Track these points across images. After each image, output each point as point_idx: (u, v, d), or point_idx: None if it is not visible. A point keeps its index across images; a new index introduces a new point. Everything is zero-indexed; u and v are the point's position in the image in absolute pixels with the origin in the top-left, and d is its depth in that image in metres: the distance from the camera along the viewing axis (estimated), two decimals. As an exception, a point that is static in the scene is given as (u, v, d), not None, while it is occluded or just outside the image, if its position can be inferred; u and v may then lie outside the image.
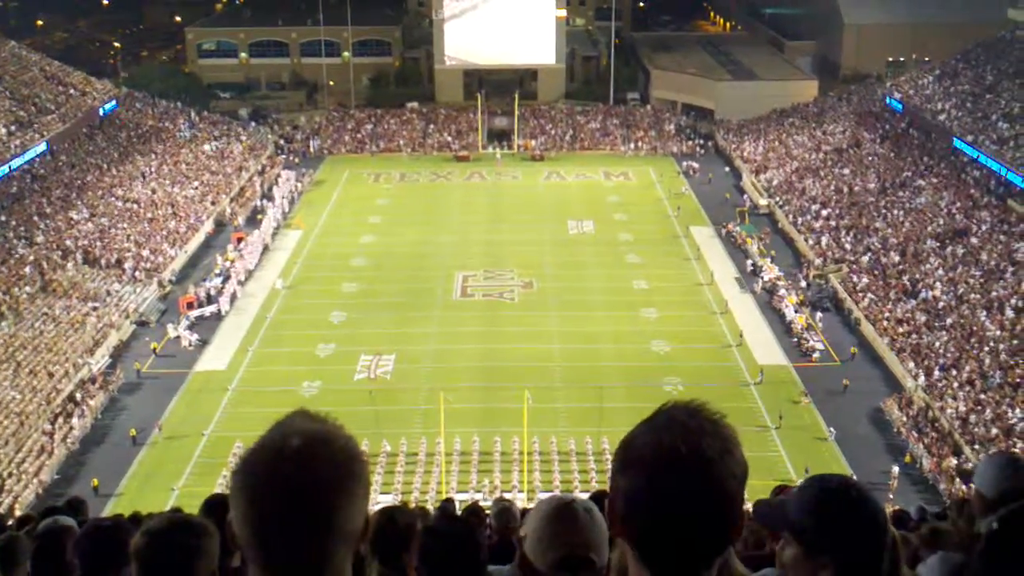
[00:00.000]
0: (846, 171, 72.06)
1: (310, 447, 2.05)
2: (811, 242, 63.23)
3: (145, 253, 60.79)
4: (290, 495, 2.00)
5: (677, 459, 2.04)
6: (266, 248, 65.18)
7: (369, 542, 3.94)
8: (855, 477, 37.31)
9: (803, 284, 58.04)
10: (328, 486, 2.03)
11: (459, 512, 9.14)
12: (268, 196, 74.33)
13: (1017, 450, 37.07)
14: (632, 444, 2.12)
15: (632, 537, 2.09)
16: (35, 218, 59.81)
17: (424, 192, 77.94)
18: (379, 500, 35.46)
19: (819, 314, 54.11)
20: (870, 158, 72.87)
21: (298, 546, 2.03)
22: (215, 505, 5.03)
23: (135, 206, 66.86)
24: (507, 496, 32.85)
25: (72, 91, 76.62)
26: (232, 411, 45.32)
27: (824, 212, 66.64)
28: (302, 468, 2.02)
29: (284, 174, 78.70)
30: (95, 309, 52.84)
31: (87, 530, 4.43)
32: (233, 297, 57.29)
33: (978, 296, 50.36)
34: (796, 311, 53.71)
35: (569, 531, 2.96)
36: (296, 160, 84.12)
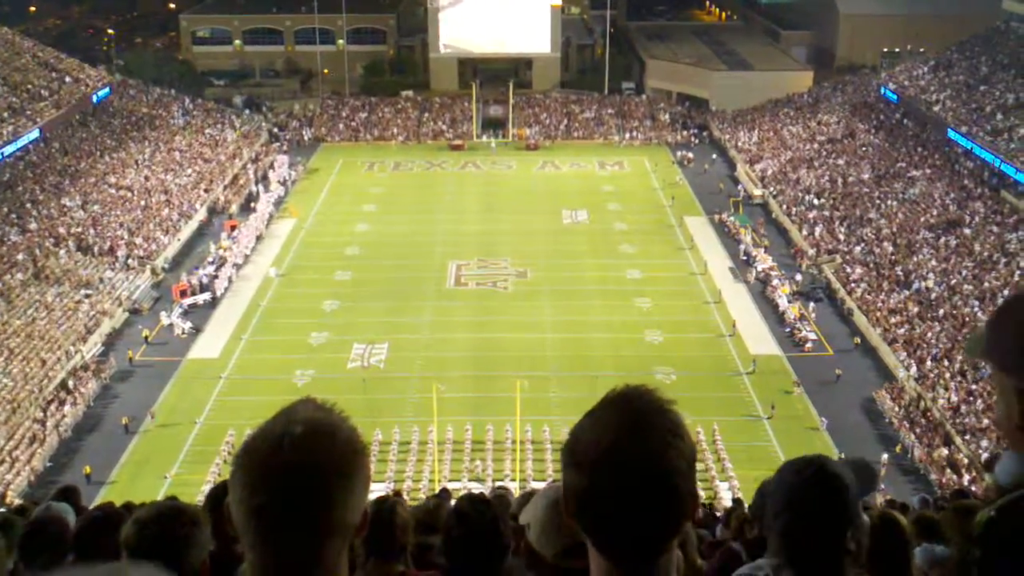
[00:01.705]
0: (840, 161, 72.08)
1: (312, 437, 2.03)
2: (805, 232, 63.27)
3: (138, 240, 60.66)
4: (287, 484, 1.99)
5: (617, 456, 2.01)
6: (260, 236, 65.06)
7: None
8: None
9: (797, 276, 58.08)
10: (327, 478, 2.02)
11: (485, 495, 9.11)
12: (262, 183, 74.15)
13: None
14: (577, 441, 2.09)
15: (584, 530, 2.08)
16: (28, 205, 59.63)
17: (418, 181, 77.77)
18: (372, 489, 35.42)
19: (812, 304, 54.21)
20: (864, 149, 72.89)
21: (292, 536, 2.01)
22: (222, 492, 4.99)
23: (128, 193, 66.67)
24: (503, 485, 32.85)
25: (65, 78, 76.33)
26: (225, 399, 45.27)
27: (818, 202, 66.68)
28: (302, 458, 2.00)
29: (279, 159, 78.50)
30: (88, 296, 52.73)
31: (83, 522, 4.42)
32: (229, 282, 57.26)
33: (971, 287, 50.49)
34: (789, 301, 53.79)
35: None
36: (287, 149, 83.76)
